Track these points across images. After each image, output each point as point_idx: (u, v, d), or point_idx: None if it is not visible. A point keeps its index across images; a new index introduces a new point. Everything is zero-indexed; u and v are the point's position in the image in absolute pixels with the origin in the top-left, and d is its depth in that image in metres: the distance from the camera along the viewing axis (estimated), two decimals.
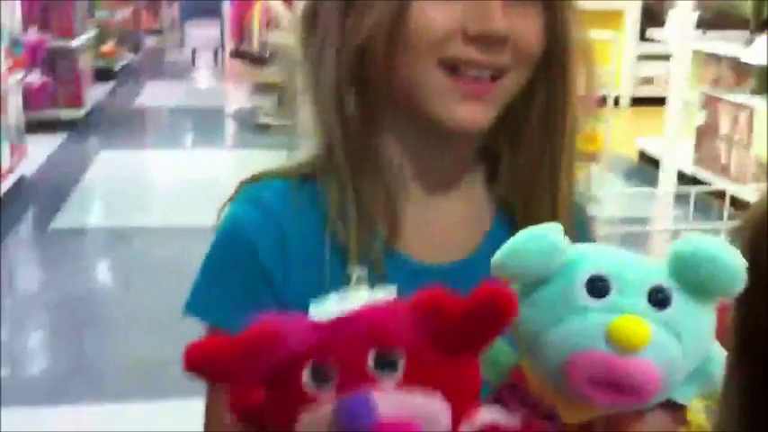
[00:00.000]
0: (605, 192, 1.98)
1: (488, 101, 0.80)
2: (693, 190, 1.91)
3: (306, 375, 0.52)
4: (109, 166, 5.69)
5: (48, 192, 5.10)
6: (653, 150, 5.16)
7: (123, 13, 9.46)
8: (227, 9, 10.09)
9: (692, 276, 0.55)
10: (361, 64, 0.81)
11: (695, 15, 3.31)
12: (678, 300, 0.55)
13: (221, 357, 0.53)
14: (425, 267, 0.83)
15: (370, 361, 0.52)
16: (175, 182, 5.42)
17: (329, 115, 0.82)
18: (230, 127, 7.49)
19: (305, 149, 0.87)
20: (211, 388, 0.82)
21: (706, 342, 0.57)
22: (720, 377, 0.59)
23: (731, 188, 2.06)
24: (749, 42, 4.51)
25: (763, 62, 4.33)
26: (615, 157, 4.82)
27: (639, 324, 0.53)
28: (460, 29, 0.77)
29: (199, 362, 0.54)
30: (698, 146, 5.11)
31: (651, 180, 2.62)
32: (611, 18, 7.40)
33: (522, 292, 0.57)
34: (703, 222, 2.10)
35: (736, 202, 2.13)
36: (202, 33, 11.40)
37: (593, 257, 0.56)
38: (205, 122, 7.26)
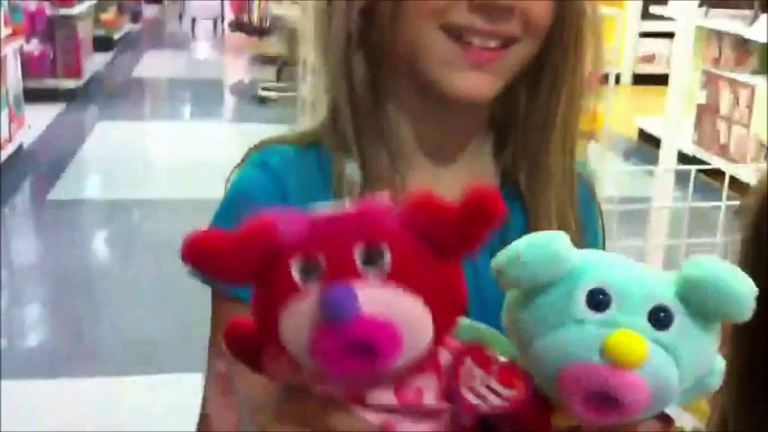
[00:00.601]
0: (605, 170, 1.97)
1: (494, 71, 0.79)
2: (693, 169, 1.91)
3: (294, 267, 0.53)
4: (107, 137, 5.68)
5: (46, 162, 5.10)
6: (653, 129, 5.14)
7: None
8: None
9: (698, 301, 0.54)
10: (369, 28, 0.81)
11: None
12: (681, 322, 0.54)
13: (217, 248, 0.54)
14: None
15: (357, 255, 0.52)
16: (174, 154, 5.40)
17: (337, 78, 0.82)
18: (229, 99, 7.46)
19: (312, 118, 0.87)
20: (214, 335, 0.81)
21: (705, 364, 0.56)
22: (716, 387, 0.58)
23: (730, 168, 2.06)
24: (753, 20, 4.49)
25: (766, 40, 4.31)
26: (615, 136, 4.81)
27: (637, 341, 0.52)
28: None
29: (195, 252, 0.54)
30: (698, 125, 5.10)
31: (650, 159, 2.62)
32: None
33: (524, 294, 0.56)
34: (702, 201, 2.10)
35: (735, 182, 2.13)
36: (202, 3, 11.33)
37: (598, 268, 0.56)
38: (204, 94, 7.24)
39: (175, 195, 4.35)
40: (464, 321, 0.59)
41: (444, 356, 0.56)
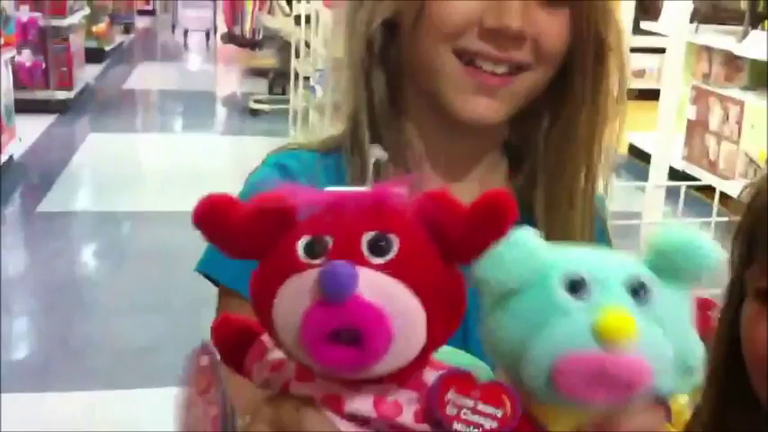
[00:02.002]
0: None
1: (502, 96, 0.80)
2: (683, 185, 1.91)
3: (300, 245, 0.52)
4: (98, 149, 5.67)
5: (36, 174, 5.08)
6: (643, 145, 5.16)
7: None
8: None
9: (668, 265, 0.55)
10: (390, 45, 0.83)
11: (690, 8, 3.31)
12: (657, 290, 0.55)
13: (229, 215, 0.53)
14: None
15: (365, 242, 0.51)
16: (165, 166, 5.40)
17: (357, 90, 0.84)
18: (221, 111, 7.46)
19: (334, 126, 0.89)
20: None
21: (686, 330, 0.57)
22: (700, 369, 0.59)
23: (720, 184, 2.07)
24: (743, 36, 4.51)
25: (757, 56, 4.34)
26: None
27: (626, 318, 0.52)
28: (478, 22, 0.78)
29: (207, 216, 0.53)
30: (688, 141, 5.12)
31: (640, 174, 2.62)
32: None
33: (498, 303, 0.56)
34: (692, 217, 2.11)
35: (725, 197, 2.13)
36: (195, 15, 11.34)
37: (567, 258, 0.56)
38: (196, 106, 7.23)
39: (166, 207, 4.34)
40: (445, 348, 0.58)
41: (430, 376, 0.55)
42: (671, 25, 2.51)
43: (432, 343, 0.53)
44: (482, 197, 0.52)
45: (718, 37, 5.01)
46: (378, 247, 0.51)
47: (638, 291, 0.54)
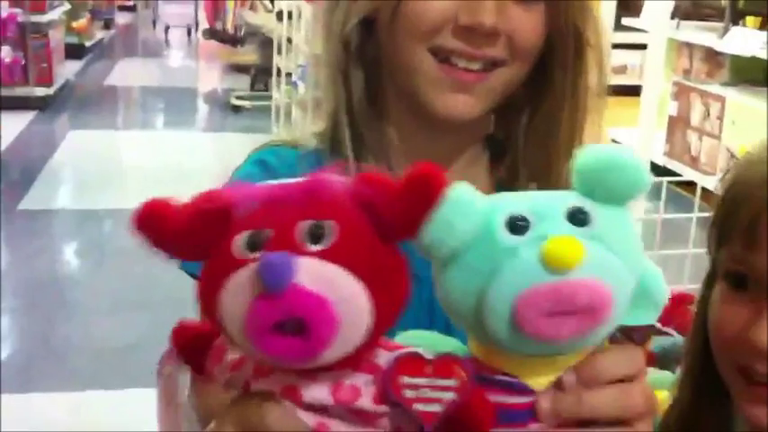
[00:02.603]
0: None
1: (478, 92, 0.81)
2: (665, 181, 1.92)
3: (240, 240, 0.52)
4: (79, 146, 5.64)
5: (17, 171, 5.04)
6: (625, 141, 5.18)
7: None
8: None
9: (600, 186, 0.55)
10: (368, 44, 0.84)
11: (671, 4, 3.32)
12: (596, 213, 0.55)
13: (168, 218, 0.53)
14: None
15: (302, 230, 0.52)
16: (146, 163, 5.37)
17: (336, 89, 0.85)
18: (202, 108, 7.44)
19: (316, 123, 0.89)
20: None
21: (636, 247, 0.57)
22: (663, 295, 0.59)
23: (701, 179, 2.08)
24: (724, 32, 4.54)
25: (738, 52, 4.37)
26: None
27: (570, 241, 0.52)
28: (452, 20, 0.78)
29: (146, 221, 0.53)
30: (669, 136, 5.14)
31: None
32: None
33: (448, 263, 0.55)
34: (674, 212, 2.12)
35: (707, 192, 2.14)
36: (176, 11, 11.30)
37: (505, 201, 0.56)
38: (177, 103, 7.20)
39: None
40: (412, 333, 0.59)
41: (384, 358, 0.55)
42: (652, 22, 2.52)
43: (379, 324, 0.53)
44: (411, 172, 0.53)
45: (699, 33, 5.04)
46: (315, 235, 0.52)
47: (577, 217, 0.54)
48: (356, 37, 0.83)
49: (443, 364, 0.55)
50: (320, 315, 0.50)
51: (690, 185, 2.27)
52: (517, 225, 0.54)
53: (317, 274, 0.50)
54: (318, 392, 0.54)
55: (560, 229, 0.53)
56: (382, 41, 0.83)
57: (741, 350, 0.69)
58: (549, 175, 0.85)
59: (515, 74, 0.82)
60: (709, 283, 0.77)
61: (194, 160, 5.29)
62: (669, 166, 5.00)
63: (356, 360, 0.54)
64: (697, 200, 2.07)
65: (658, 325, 0.60)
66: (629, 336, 0.59)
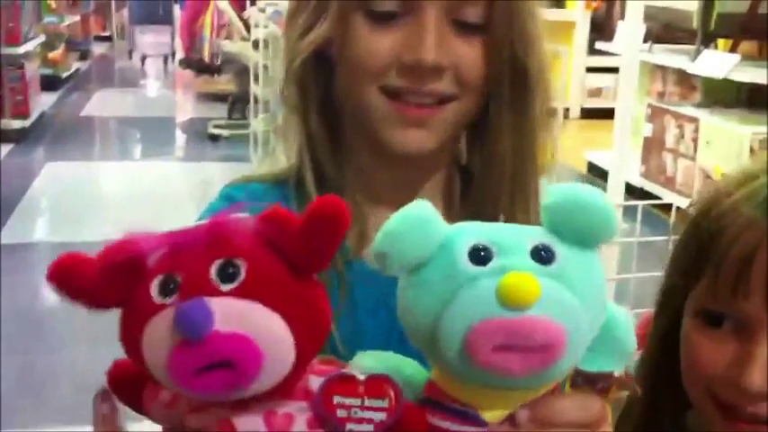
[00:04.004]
0: None
1: (430, 126, 0.82)
2: (640, 204, 1.94)
3: (154, 286, 0.53)
4: (56, 178, 5.60)
5: None
6: (602, 163, 5.22)
7: (72, 19, 9.32)
8: (177, 14, 10.02)
9: (569, 226, 0.55)
10: (324, 82, 0.85)
11: (643, 28, 3.36)
12: (561, 252, 0.55)
13: (82, 270, 0.54)
14: (388, 278, 0.83)
15: (213, 271, 0.53)
16: (124, 194, 5.34)
17: (296, 128, 0.86)
18: (180, 137, 7.42)
19: (286, 155, 0.91)
20: None
21: (599, 291, 0.56)
22: (631, 344, 0.59)
23: (677, 201, 2.09)
24: (696, 55, 4.60)
25: (709, 74, 4.42)
26: (564, 170, 4.85)
27: (528, 278, 0.52)
28: (397, 59, 0.80)
29: (60, 274, 0.55)
30: (645, 158, 5.19)
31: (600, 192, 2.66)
32: (561, 29, 7.51)
33: (408, 280, 0.56)
34: (651, 235, 2.13)
35: (682, 212, 2.16)
36: (152, 40, 11.30)
37: (470, 229, 0.56)
38: (155, 133, 7.18)
39: None
40: (372, 353, 0.60)
41: (315, 383, 0.56)
42: (624, 45, 2.55)
43: (303, 352, 0.54)
44: (312, 206, 0.54)
45: (672, 56, 5.10)
46: (226, 274, 0.53)
47: (541, 254, 0.54)
48: (311, 76, 0.85)
49: (375, 385, 0.56)
50: (244, 353, 0.51)
51: (666, 206, 2.29)
52: (479, 254, 0.54)
53: (235, 314, 0.51)
54: (252, 423, 0.55)
55: (521, 265, 0.54)
56: (336, 81, 0.84)
57: (727, 389, 0.70)
58: (496, 205, 0.85)
59: (467, 106, 0.83)
60: (669, 301, 0.77)
61: (173, 190, 5.27)
62: (646, 188, 5.04)
63: (286, 388, 0.55)
64: (672, 219, 2.09)
65: (623, 375, 0.59)
66: (593, 383, 0.59)
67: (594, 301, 0.55)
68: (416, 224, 0.55)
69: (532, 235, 0.56)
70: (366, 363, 0.59)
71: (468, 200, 0.89)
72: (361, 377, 0.56)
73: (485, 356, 0.52)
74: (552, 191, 0.56)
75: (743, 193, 0.72)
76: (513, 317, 0.52)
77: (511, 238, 0.55)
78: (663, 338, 0.79)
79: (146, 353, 0.53)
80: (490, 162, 0.86)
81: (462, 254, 0.55)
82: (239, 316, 0.51)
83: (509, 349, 0.52)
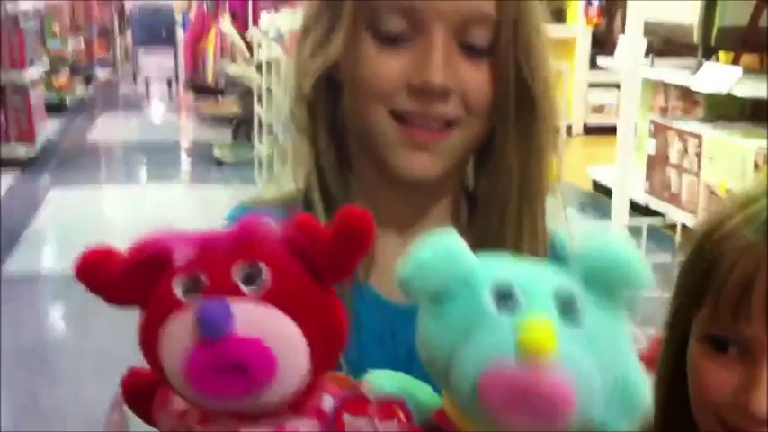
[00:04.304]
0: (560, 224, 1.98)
1: (437, 151, 0.82)
2: (645, 223, 1.94)
3: (176, 285, 0.54)
4: (62, 205, 5.61)
5: None
6: (605, 180, 5.22)
7: (75, 44, 9.37)
8: (181, 36, 10.07)
9: (599, 279, 0.54)
10: (333, 105, 0.85)
11: (644, 43, 3.37)
12: (586, 304, 0.54)
13: (109, 266, 0.55)
14: (395, 305, 0.83)
15: (237, 273, 0.53)
16: (130, 219, 5.35)
17: (305, 151, 0.87)
18: (185, 161, 7.44)
19: (294, 177, 0.91)
20: None
21: (620, 348, 0.56)
22: (644, 405, 0.58)
23: (682, 218, 2.10)
24: (698, 68, 4.60)
25: (711, 89, 4.42)
26: (568, 187, 4.83)
27: (547, 331, 0.52)
28: (406, 82, 0.80)
29: (87, 270, 0.55)
30: (649, 174, 5.18)
31: (605, 209, 2.66)
32: (562, 45, 7.52)
33: (430, 309, 0.56)
34: (657, 251, 2.13)
35: (687, 230, 2.16)
36: (156, 63, 11.36)
37: (498, 267, 0.56)
38: (159, 157, 7.20)
39: None
40: (384, 372, 0.60)
41: (327, 402, 0.56)
42: (625, 60, 2.56)
43: (317, 364, 0.55)
44: (340, 217, 0.54)
45: (673, 71, 5.10)
46: (249, 277, 0.53)
47: (567, 307, 0.54)
48: (320, 98, 0.85)
49: (386, 407, 0.56)
50: (259, 358, 0.52)
51: (672, 224, 2.29)
52: (503, 296, 0.54)
53: (253, 319, 0.52)
54: None
55: (543, 314, 0.53)
56: (344, 103, 0.85)
57: (735, 415, 0.70)
58: (503, 227, 0.85)
59: (473, 130, 0.83)
60: (676, 325, 0.77)
61: (179, 214, 5.28)
62: (651, 204, 5.03)
63: (298, 404, 0.56)
64: (678, 238, 2.09)
65: None
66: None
67: (614, 355, 0.55)
68: (445, 255, 0.55)
69: (559, 282, 0.55)
70: (379, 382, 0.59)
71: (475, 224, 0.89)
72: (373, 398, 0.57)
73: (494, 403, 0.52)
74: (586, 240, 0.56)
75: (743, 217, 0.72)
76: (526, 372, 0.51)
77: (537, 284, 0.55)
78: (673, 362, 0.79)
79: (163, 350, 0.54)
80: (497, 185, 0.86)
81: (487, 293, 0.54)
82: (258, 321, 0.52)
83: (516, 401, 0.52)
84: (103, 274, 0.55)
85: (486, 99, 0.82)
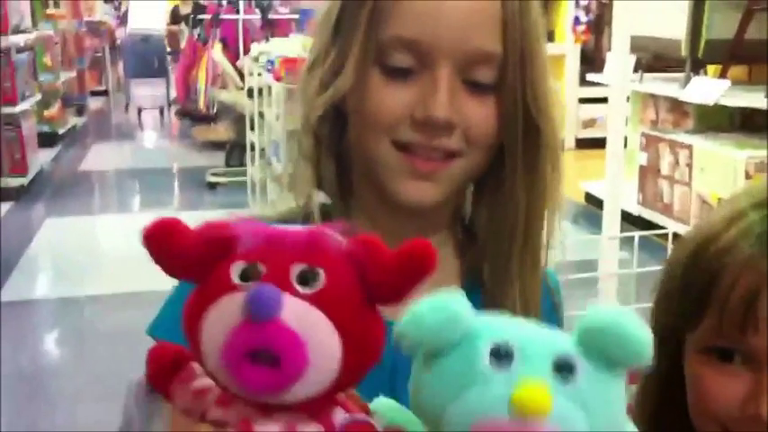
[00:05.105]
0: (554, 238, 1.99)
1: (438, 180, 0.84)
2: (637, 235, 1.95)
3: (234, 270, 0.55)
4: (56, 234, 5.61)
5: None
6: (598, 193, 5.24)
7: (67, 75, 9.40)
8: (171, 66, 10.10)
9: (599, 348, 0.54)
10: (339, 133, 0.87)
11: (633, 58, 3.39)
12: (585, 371, 0.54)
13: (177, 236, 0.56)
14: (392, 326, 0.83)
15: (294, 272, 0.54)
16: (124, 247, 5.34)
17: (308, 175, 0.88)
18: (179, 187, 7.44)
19: (290, 198, 0.92)
20: None
21: (616, 416, 0.56)
22: None
23: (674, 228, 2.10)
24: (686, 82, 4.63)
25: (699, 101, 4.45)
26: (562, 201, 4.85)
27: (541, 392, 0.52)
28: (410, 114, 0.82)
29: (157, 235, 0.56)
30: (641, 186, 5.21)
31: (598, 222, 2.67)
32: (552, 62, 7.55)
33: (426, 362, 0.56)
34: (649, 262, 2.14)
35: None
36: (148, 92, 11.38)
37: (496, 326, 0.56)
38: (153, 184, 7.21)
39: (129, 288, 4.29)
40: (387, 401, 0.61)
41: (340, 417, 0.57)
42: (612, 76, 2.58)
43: (344, 377, 0.55)
44: (405, 245, 0.56)
45: (662, 84, 5.14)
46: (305, 279, 0.55)
47: (563, 369, 0.54)
48: (327, 127, 0.87)
49: None
50: (294, 352, 0.52)
51: (663, 233, 2.30)
52: (500, 356, 0.54)
53: (300, 314, 0.53)
54: (271, 429, 0.56)
55: (540, 375, 0.53)
56: (349, 133, 0.86)
57: (743, 423, 0.70)
58: (509, 259, 0.87)
59: (474, 162, 0.84)
60: (669, 341, 0.77)
61: None
62: (644, 215, 5.05)
63: (314, 407, 0.56)
64: (669, 248, 2.09)
65: None
66: None
67: (607, 425, 0.55)
68: (444, 313, 0.55)
69: (558, 345, 0.55)
70: (386, 413, 0.60)
71: (474, 255, 0.90)
72: (380, 427, 0.57)
73: None
74: (591, 311, 0.55)
75: (737, 232, 0.73)
76: (518, 426, 0.52)
77: (535, 345, 0.55)
78: (664, 381, 0.79)
79: (206, 326, 0.55)
80: (504, 216, 0.87)
81: (484, 352, 0.54)
82: (303, 318, 0.53)
83: None
84: (171, 244, 0.56)
85: (489, 133, 0.83)
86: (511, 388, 0.52)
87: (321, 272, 0.55)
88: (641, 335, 0.54)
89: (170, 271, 0.58)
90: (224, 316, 0.54)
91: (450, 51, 0.80)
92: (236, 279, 0.55)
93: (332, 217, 0.87)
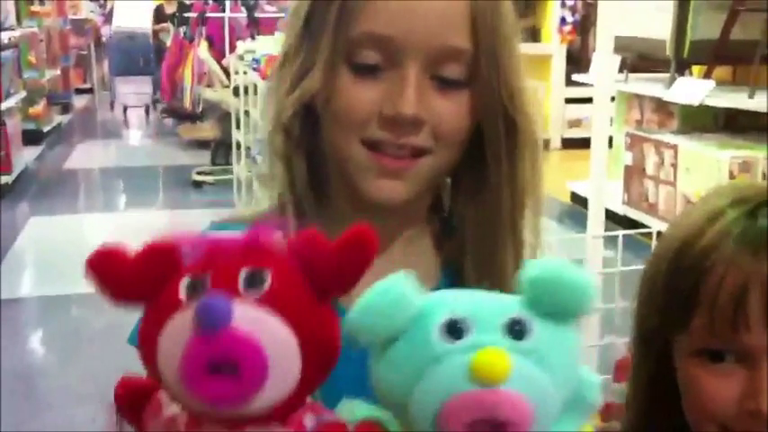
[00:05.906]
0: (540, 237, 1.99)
1: (407, 177, 0.84)
2: (621, 234, 1.95)
3: (182, 287, 0.55)
4: (40, 233, 5.58)
5: None
6: (584, 192, 5.26)
7: (52, 73, 9.35)
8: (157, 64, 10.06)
9: (545, 300, 0.55)
10: (309, 132, 0.87)
11: (618, 59, 3.40)
12: (537, 328, 0.55)
13: (119, 263, 0.56)
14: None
15: (241, 277, 0.54)
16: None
17: (280, 174, 0.88)
18: (164, 186, 7.42)
19: (270, 197, 0.92)
20: None
21: (573, 365, 0.57)
22: (598, 402, 0.60)
23: (659, 228, 2.12)
24: (670, 83, 4.65)
25: (684, 101, 4.47)
26: (547, 200, 4.85)
27: (499, 355, 0.53)
28: (378, 112, 0.82)
29: (99, 265, 0.56)
30: (627, 186, 5.23)
31: (584, 221, 2.68)
32: (539, 63, 7.59)
33: (382, 350, 0.56)
34: (634, 261, 2.15)
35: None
36: (133, 90, 11.33)
37: (445, 302, 0.57)
38: (138, 182, 7.18)
39: None
40: (355, 401, 0.60)
41: (311, 421, 0.57)
42: (597, 76, 2.59)
43: (308, 375, 0.55)
44: (345, 233, 0.56)
45: (648, 85, 5.16)
46: (252, 281, 0.54)
47: (515, 329, 0.55)
48: (298, 126, 0.87)
49: (363, 426, 0.57)
50: (252, 357, 0.52)
51: (649, 233, 2.31)
52: (454, 328, 0.55)
53: (251, 319, 0.53)
54: None
55: (494, 340, 0.54)
56: (320, 131, 0.86)
57: (743, 421, 0.70)
58: (494, 253, 0.87)
59: (443, 159, 0.85)
60: (653, 344, 0.78)
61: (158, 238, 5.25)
62: (629, 215, 5.07)
63: (285, 414, 0.56)
64: (653, 247, 2.09)
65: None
66: None
67: (566, 374, 0.56)
68: (391, 299, 0.56)
69: (509, 308, 0.56)
70: (351, 410, 0.60)
71: (453, 248, 0.90)
72: (352, 426, 0.57)
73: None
74: (532, 265, 0.56)
75: (718, 231, 0.73)
76: (482, 393, 0.52)
77: (485, 312, 0.56)
78: (651, 384, 0.79)
79: (161, 348, 0.54)
80: (488, 213, 0.87)
81: (435, 329, 0.55)
82: (256, 322, 0.53)
83: (479, 426, 0.52)
84: (114, 270, 0.56)
85: (458, 129, 0.83)
86: (468, 359, 0.53)
87: (267, 272, 0.55)
88: (582, 280, 0.55)
89: (119, 297, 0.57)
90: (177, 334, 0.53)
91: (419, 48, 0.80)
92: (184, 295, 0.55)
93: (306, 215, 0.87)
